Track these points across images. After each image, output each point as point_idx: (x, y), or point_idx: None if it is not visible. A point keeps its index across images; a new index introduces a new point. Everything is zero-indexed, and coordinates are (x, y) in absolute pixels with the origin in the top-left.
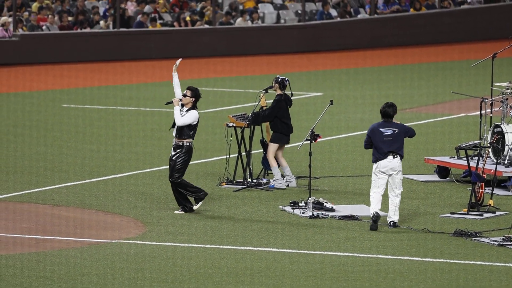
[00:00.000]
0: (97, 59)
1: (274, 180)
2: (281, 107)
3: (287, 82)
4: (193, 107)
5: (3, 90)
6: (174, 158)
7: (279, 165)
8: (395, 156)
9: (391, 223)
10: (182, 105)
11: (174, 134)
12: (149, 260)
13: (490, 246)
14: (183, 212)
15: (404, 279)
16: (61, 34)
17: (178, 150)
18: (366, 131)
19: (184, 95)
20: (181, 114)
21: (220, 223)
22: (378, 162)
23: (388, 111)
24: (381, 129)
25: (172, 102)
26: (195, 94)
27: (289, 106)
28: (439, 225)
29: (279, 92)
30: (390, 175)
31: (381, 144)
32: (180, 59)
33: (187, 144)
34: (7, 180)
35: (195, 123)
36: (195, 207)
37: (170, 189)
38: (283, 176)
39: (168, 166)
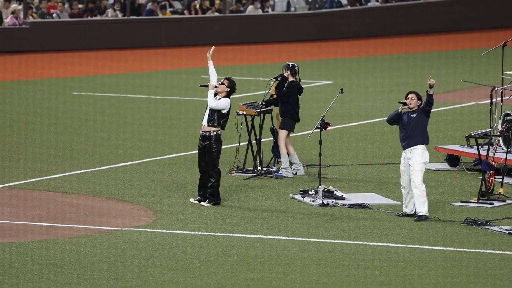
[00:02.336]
0: (107, 47)
1: (281, 168)
2: (294, 93)
3: (297, 68)
4: (227, 96)
5: (14, 77)
6: (206, 151)
7: (288, 153)
8: None
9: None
10: (215, 94)
11: (204, 123)
12: (159, 248)
13: (500, 234)
14: (198, 202)
15: (414, 267)
16: (72, 21)
17: (207, 142)
18: (376, 119)
19: (221, 83)
20: (215, 98)
21: (230, 211)
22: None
23: None
24: None
25: (207, 86)
26: (231, 85)
27: (299, 94)
28: (449, 213)
29: (291, 79)
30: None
31: None
32: (213, 47)
33: (215, 133)
34: (17, 168)
35: (225, 111)
36: (203, 203)
37: (180, 177)
38: (291, 164)
39: (197, 154)
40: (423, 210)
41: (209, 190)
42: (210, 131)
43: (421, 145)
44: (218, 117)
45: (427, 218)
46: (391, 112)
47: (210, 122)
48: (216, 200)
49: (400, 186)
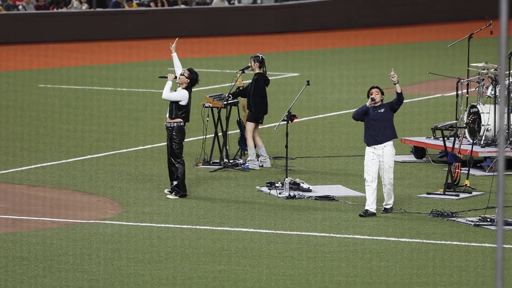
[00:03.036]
0: (73, 39)
1: (248, 160)
2: (261, 86)
3: (263, 59)
4: (186, 88)
5: None
6: (169, 142)
7: (255, 145)
8: None
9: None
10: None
11: (167, 115)
12: (126, 240)
13: (466, 226)
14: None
15: (380, 259)
16: (37, 14)
17: (170, 133)
18: (343, 111)
19: (182, 74)
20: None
21: (197, 203)
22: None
23: None
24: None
25: (166, 77)
26: (192, 77)
27: (266, 85)
28: (415, 205)
29: (257, 70)
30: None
31: None
32: (176, 39)
33: (175, 125)
34: None
35: (183, 102)
36: (169, 196)
37: (147, 170)
38: (258, 156)
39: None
40: (391, 202)
41: (174, 182)
42: (171, 122)
43: (391, 141)
44: (176, 109)
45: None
46: (358, 105)
47: (170, 114)
48: (182, 191)
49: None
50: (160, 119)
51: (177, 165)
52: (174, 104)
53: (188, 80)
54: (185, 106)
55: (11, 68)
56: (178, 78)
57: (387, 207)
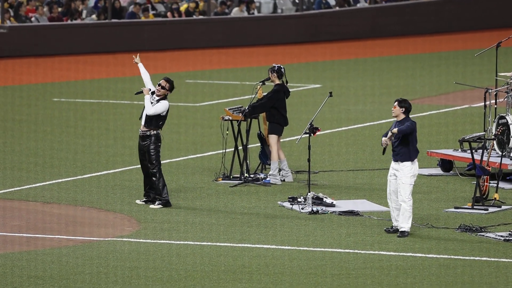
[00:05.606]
0: (88, 51)
1: (269, 175)
2: (279, 97)
3: (283, 70)
4: (165, 97)
5: None
6: (146, 149)
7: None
8: None
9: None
10: (153, 93)
11: (142, 123)
12: (144, 258)
13: (495, 241)
14: (144, 203)
15: (407, 276)
16: (51, 25)
17: (147, 141)
18: (367, 123)
19: (159, 85)
20: (151, 103)
21: (217, 219)
22: (416, 163)
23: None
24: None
25: (142, 92)
26: (172, 87)
27: (286, 97)
28: (443, 220)
29: (277, 81)
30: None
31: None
32: (138, 54)
33: (154, 132)
34: None
35: (164, 113)
36: (152, 206)
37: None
38: (279, 170)
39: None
40: (406, 226)
41: (155, 191)
42: (149, 131)
43: (407, 162)
44: (156, 120)
45: (409, 234)
46: (382, 116)
47: (148, 124)
48: (164, 198)
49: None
50: (178, 133)
51: (154, 172)
52: (155, 116)
53: (168, 92)
54: (164, 116)
55: (25, 81)
56: (157, 90)
57: (402, 230)
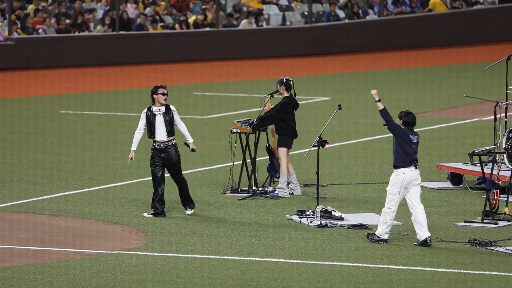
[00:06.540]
0: (96, 63)
1: (278, 188)
2: (288, 110)
3: (292, 82)
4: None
5: None
6: (171, 160)
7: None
8: (417, 166)
9: (428, 239)
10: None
11: (161, 137)
12: (151, 271)
13: (506, 255)
14: (152, 215)
15: None
16: (58, 37)
17: (170, 150)
18: (376, 136)
19: (164, 94)
20: (159, 112)
21: (225, 232)
22: (404, 175)
23: (415, 120)
24: (410, 135)
25: (192, 149)
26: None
27: (295, 109)
28: (452, 234)
29: (285, 94)
30: (405, 188)
31: (409, 149)
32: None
33: (175, 140)
34: (3, 189)
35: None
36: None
37: (172, 198)
38: (288, 183)
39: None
40: (380, 229)
41: (187, 197)
42: (170, 140)
43: (395, 168)
44: (172, 127)
45: (377, 240)
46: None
47: (169, 134)
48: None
49: (407, 208)
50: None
51: (184, 179)
52: (168, 124)
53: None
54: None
55: (32, 93)
56: (164, 99)
57: (373, 232)
